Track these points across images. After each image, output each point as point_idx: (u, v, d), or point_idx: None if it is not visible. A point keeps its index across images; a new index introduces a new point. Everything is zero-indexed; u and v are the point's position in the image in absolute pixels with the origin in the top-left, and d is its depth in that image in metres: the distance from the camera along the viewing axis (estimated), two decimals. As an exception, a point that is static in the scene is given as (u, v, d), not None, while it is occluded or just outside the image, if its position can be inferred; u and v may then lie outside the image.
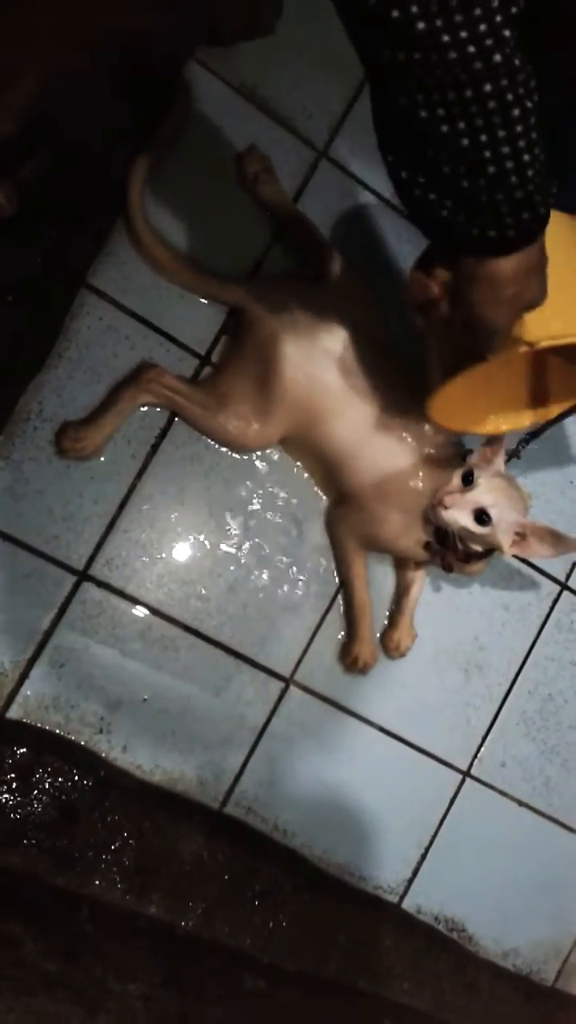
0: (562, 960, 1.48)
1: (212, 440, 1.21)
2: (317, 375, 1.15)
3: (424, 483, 1.17)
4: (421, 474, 1.18)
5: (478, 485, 1.10)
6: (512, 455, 1.18)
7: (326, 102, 1.26)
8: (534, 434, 1.21)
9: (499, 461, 1.14)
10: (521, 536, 1.14)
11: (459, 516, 1.10)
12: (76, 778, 1.13)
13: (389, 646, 1.32)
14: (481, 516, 1.10)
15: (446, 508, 1.10)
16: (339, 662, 1.31)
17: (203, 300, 1.21)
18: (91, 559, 1.18)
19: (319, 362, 1.15)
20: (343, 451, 1.19)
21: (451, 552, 1.17)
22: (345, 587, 1.29)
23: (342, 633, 1.31)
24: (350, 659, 1.29)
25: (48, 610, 1.16)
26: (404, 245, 1.33)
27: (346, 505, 1.25)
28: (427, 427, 1.18)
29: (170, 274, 1.18)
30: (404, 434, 1.18)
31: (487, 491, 1.10)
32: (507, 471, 1.16)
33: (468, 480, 1.11)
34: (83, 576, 1.18)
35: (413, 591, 1.32)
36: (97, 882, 1.11)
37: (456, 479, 1.12)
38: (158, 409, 1.19)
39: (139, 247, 1.16)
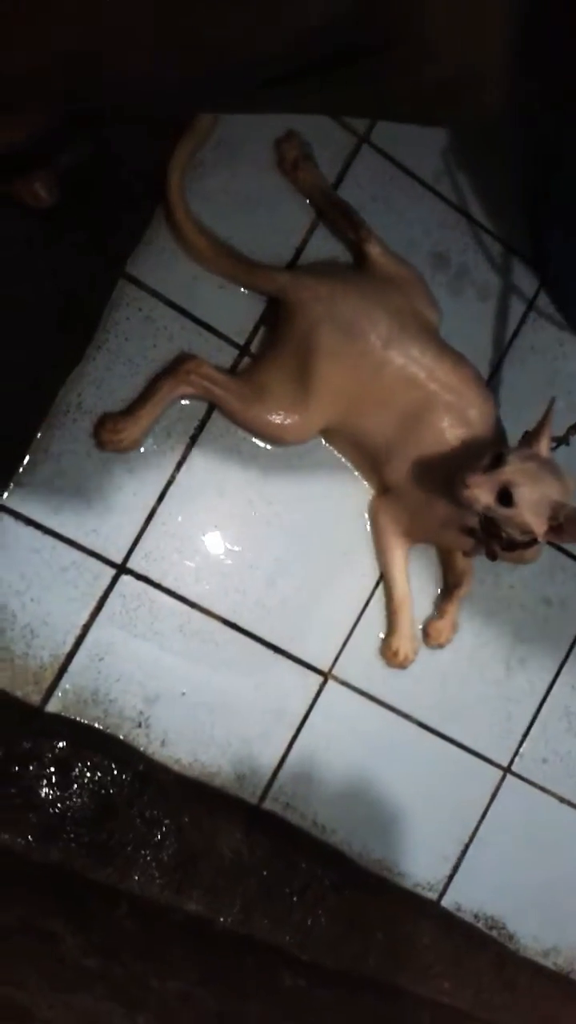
0: (603, 959, 1.46)
1: (250, 433, 1.19)
2: (358, 365, 1.13)
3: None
4: (466, 461, 1.15)
5: (506, 465, 1.05)
6: (561, 442, 1.15)
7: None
8: None
9: (540, 445, 1.10)
10: (556, 521, 1.08)
11: (481, 495, 1.05)
12: (115, 772, 1.13)
13: (431, 635, 1.31)
14: (505, 496, 1.05)
15: (467, 487, 1.05)
16: (379, 656, 1.29)
17: (242, 290, 1.19)
18: (130, 552, 1.17)
19: (360, 352, 1.13)
20: (387, 440, 1.17)
21: (495, 539, 1.14)
22: (386, 580, 1.27)
23: (382, 629, 1.29)
24: (390, 653, 1.27)
25: (87, 603, 1.15)
26: (446, 232, 1.30)
27: (390, 494, 1.23)
28: (472, 412, 1.15)
29: (210, 263, 1.16)
30: (448, 420, 1.15)
31: (513, 471, 1.05)
32: (551, 455, 1.11)
33: (498, 462, 1.06)
34: (122, 569, 1.17)
35: (464, 583, 1.30)
36: (136, 877, 1.11)
37: (485, 460, 1.08)
38: (197, 401, 1.17)
39: (179, 236, 1.15)
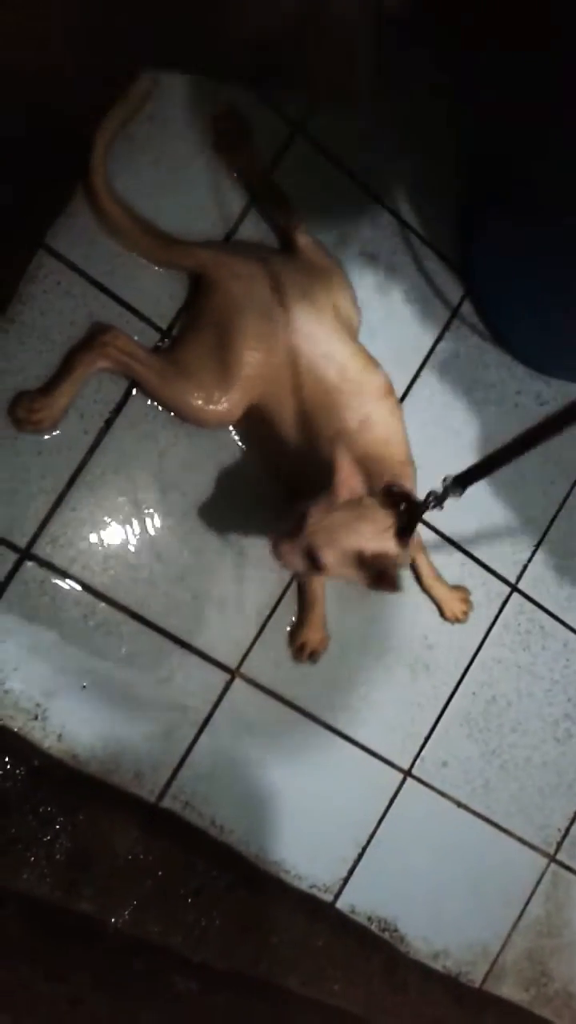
0: (491, 962, 1.48)
1: (172, 411, 1.16)
2: (272, 350, 1.10)
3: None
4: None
5: (307, 527, 1.00)
6: (439, 501, 1.01)
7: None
8: (465, 478, 1.01)
9: (340, 489, 1.01)
10: (375, 570, 1.00)
11: (290, 562, 1.01)
12: (8, 766, 1.08)
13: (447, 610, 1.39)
14: (313, 559, 1.00)
15: (275, 556, 1.01)
16: (288, 647, 1.27)
17: (167, 272, 1.15)
18: (35, 537, 1.12)
19: (274, 336, 1.10)
20: (290, 434, 1.15)
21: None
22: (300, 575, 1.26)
23: (291, 626, 1.27)
24: (298, 644, 1.26)
25: (-14, 588, 1.10)
26: (377, 232, 1.29)
27: (299, 491, 1.21)
28: (374, 419, 1.14)
29: (125, 236, 1.12)
30: (348, 423, 1.12)
31: (312, 534, 0.99)
32: (357, 496, 1.02)
33: (301, 522, 1.01)
34: (26, 554, 1.11)
35: (419, 561, 1.34)
36: (26, 876, 1.06)
37: (289, 521, 1.02)
38: (115, 381, 1.13)
39: (94, 206, 1.10)
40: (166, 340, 1.16)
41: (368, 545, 1.00)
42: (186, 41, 0.98)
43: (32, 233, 1.09)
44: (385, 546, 1.00)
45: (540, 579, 1.48)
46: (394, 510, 1.03)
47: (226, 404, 1.12)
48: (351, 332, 1.19)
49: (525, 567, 1.46)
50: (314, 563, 1.00)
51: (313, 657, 1.27)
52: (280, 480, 1.23)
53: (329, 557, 0.99)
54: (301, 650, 1.26)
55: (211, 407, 1.12)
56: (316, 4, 0.99)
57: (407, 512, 1.03)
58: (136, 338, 1.13)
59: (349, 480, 1.00)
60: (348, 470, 1.01)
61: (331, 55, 1.12)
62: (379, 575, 0.99)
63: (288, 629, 1.27)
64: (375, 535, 1.00)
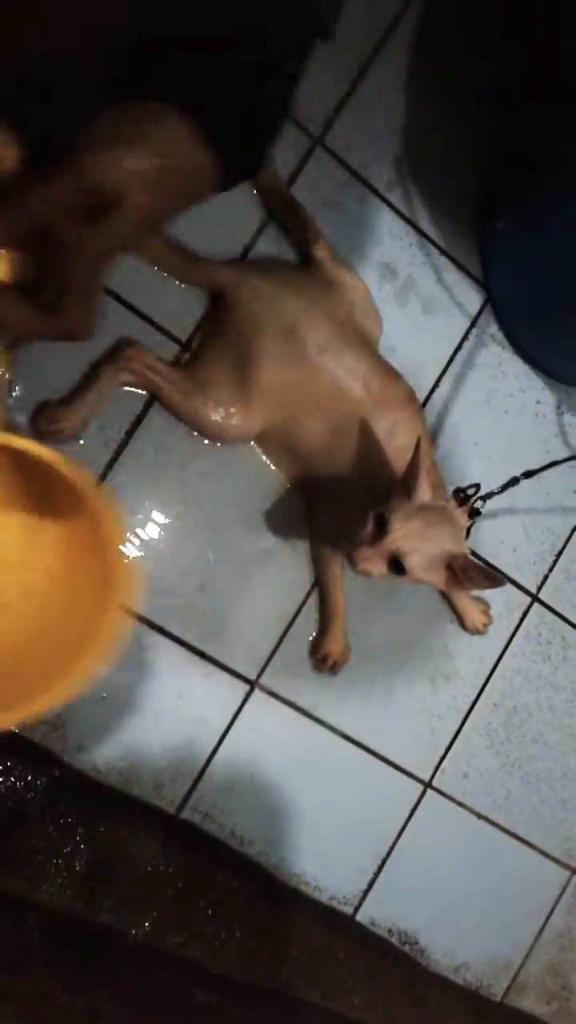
0: (512, 975, 1.47)
1: (191, 427, 1.16)
2: (294, 368, 1.11)
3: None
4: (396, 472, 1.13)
5: (390, 531, 1.00)
6: (472, 513, 1.10)
7: (324, 89, 1.23)
8: (500, 489, 1.16)
9: (418, 492, 1.03)
10: (452, 570, 1.03)
11: (374, 568, 1.01)
12: (29, 778, 1.08)
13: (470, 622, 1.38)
14: (396, 564, 1.01)
15: (356, 564, 1.01)
16: (309, 658, 1.27)
17: (185, 284, 1.16)
18: (55, 548, 1.12)
19: (296, 355, 1.11)
20: (318, 450, 1.16)
21: None
22: (321, 587, 1.26)
23: (312, 637, 1.27)
24: (319, 656, 1.26)
25: (7, 600, 1.10)
26: (395, 242, 1.30)
27: (323, 504, 1.21)
28: (399, 431, 1.15)
29: (149, 252, 1.13)
30: (376, 436, 1.14)
31: (398, 538, 1.00)
32: (432, 499, 1.04)
33: (382, 526, 1.01)
34: (46, 566, 1.12)
35: None
36: (46, 887, 1.06)
37: (368, 526, 1.02)
38: (134, 394, 1.14)
39: None
40: (186, 353, 1.17)
41: (450, 547, 1.02)
42: None
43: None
44: (463, 547, 1.04)
45: (561, 589, 1.47)
46: (467, 511, 1.07)
47: (244, 420, 1.13)
48: (372, 344, 1.20)
49: (546, 577, 1.46)
50: (398, 568, 1.01)
51: (334, 669, 1.27)
52: (301, 492, 1.24)
53: (414, 561, 1.00)
54: (323, 661, 1.26)
55: (229, 423, 1.13)
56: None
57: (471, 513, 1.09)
58: (156, 349, 1.14)
59: (424, 476, 1.03)
60: (427, 474, 1.03)
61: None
62: (463, 575, 1.02)
63: (310, 639, 1.27)
64: (455, 537, 1.04)
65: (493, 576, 1.01)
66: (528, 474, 1.19)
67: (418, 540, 1.00)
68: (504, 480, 1.17)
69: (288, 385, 1.12)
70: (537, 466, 1.20)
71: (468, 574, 1.01)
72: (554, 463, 1.22)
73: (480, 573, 1.01)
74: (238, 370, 1.12)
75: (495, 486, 1.15)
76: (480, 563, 1.06)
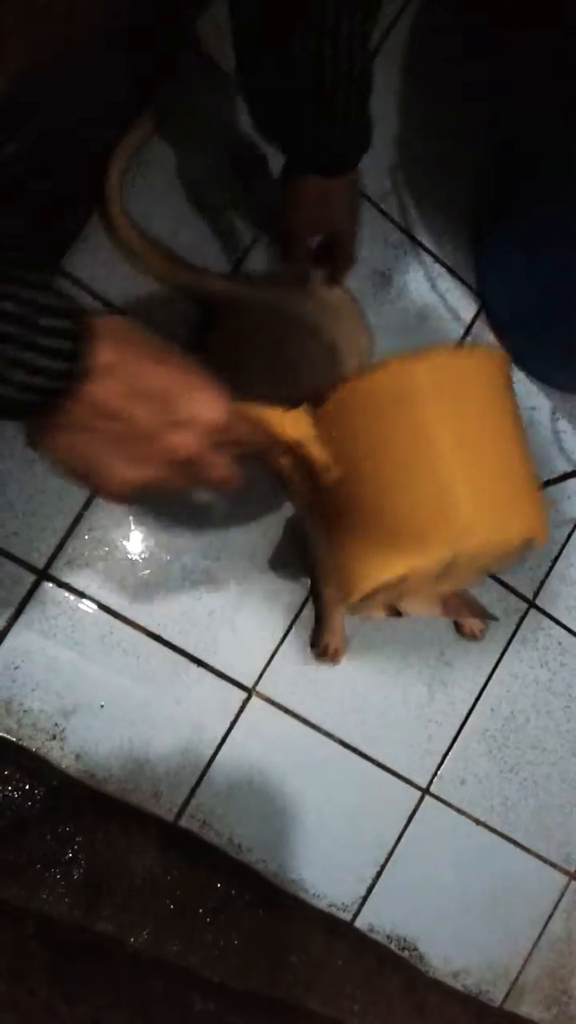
0: (511, 981, 1.47)
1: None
2: (279, 383, 1.11)
3: None
4: None
5: None
6: None
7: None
8: None
9: None
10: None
11: (372, 614, 1.07)
12: (27, 787, 1.08)
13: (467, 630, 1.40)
14: (393, 610, 1.07)
15: (356, 612, 1.09)
16: (310, 650, 1.28)
17: (179, 296, 1.17)
18: (52, 557, 1.13)
19: (286, 367, 1.11)
20: None
21: None
22: (314, 581, 1.26)
23: (308, 645, 1.28)
24: (322, 646, 1.26)
25: (4, 609, 1.11)
26: (389, 251, 1.31)
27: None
28: None
29: (143, 261, 1.14)
30: None
31: None
32: None
33: None
34: (43, 575, 1.13)
35: None
36: (45, 896, 1.06)
37: None
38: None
39: (111, 232, 1.12)
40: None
41: (443, 588, 1.06)
42: None
43: (49, 259, 1.10)
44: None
45: (558, 594, 1.47)
46: None
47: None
48: (362, 355, 1.20)
49: (542, 583, 1.46)
50: (395, 611, 1.07)
51: (336, 657, 1.27)
52: (299, 502, 1.24)
53: (412, 606, 1.07)
54: (325, 652, 1.26)
55: None
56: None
57: None
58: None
59: None
60: None
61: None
62: (454, 613, 1.14)
63: (308, 645, 1.28)
64: None
65: (483, 611, 1.10)
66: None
67: (413, 588, 1.02)
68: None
69: (275, 396, 1.12)
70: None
71: (460, 612, 1.10)
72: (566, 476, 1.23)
73: (472, 611, 1.10)
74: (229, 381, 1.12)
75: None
76: (471, 599, 1.12)
